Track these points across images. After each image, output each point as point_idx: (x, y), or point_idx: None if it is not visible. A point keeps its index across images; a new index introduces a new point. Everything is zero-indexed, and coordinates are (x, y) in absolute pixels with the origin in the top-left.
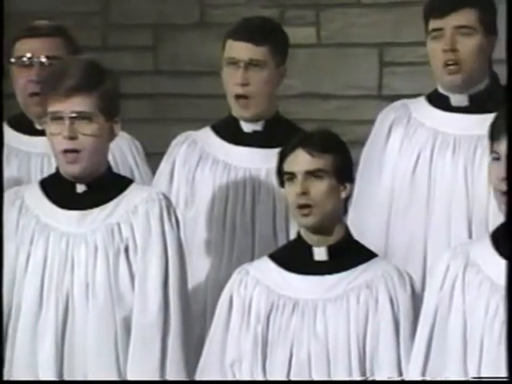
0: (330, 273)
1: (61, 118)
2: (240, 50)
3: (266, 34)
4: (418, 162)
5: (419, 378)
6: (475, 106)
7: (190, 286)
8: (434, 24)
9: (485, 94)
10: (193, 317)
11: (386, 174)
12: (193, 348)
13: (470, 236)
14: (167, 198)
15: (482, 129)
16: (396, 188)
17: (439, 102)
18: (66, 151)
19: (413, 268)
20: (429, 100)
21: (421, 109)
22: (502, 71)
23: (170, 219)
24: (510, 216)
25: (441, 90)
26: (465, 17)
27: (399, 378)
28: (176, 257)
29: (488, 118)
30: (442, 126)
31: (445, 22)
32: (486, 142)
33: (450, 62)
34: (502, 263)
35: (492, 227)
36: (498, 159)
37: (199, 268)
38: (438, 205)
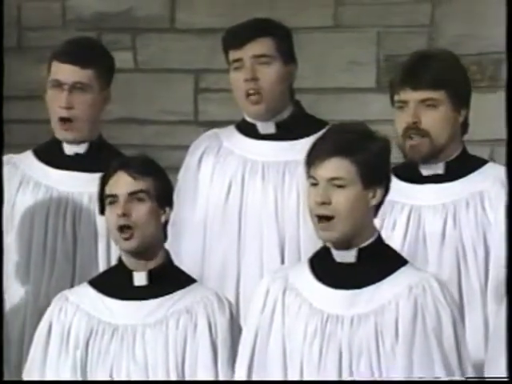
0: (149, 298)
1: None
2: (65, 72)
3: (92, 56)
4: (230, 189)
5: None
6: (282, 133)
7: (7, 310)
8: (233, 55)
9: (290, 122)
10: (9, 342)
11: (199, 201)
12: (12, 374)
13: (283, 260)
14: None
15: (289, 155)
16: (209, 215)
17: (248, 130)
18: None
19: (226, 293)
20: (238, 129)
21: (231, 138)
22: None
23: None
24: (510, 225)
25: (248, 119)
26: (262, 45)
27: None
28: None
29: (294, 145)
30: (250, 153)
31: (243, 52)
32: (293, 167)
33: (252, 91)
34: (320, 287)
35: (304, 251)
36: (315, 184)
37: (18, 293)
38: (249, 230)
